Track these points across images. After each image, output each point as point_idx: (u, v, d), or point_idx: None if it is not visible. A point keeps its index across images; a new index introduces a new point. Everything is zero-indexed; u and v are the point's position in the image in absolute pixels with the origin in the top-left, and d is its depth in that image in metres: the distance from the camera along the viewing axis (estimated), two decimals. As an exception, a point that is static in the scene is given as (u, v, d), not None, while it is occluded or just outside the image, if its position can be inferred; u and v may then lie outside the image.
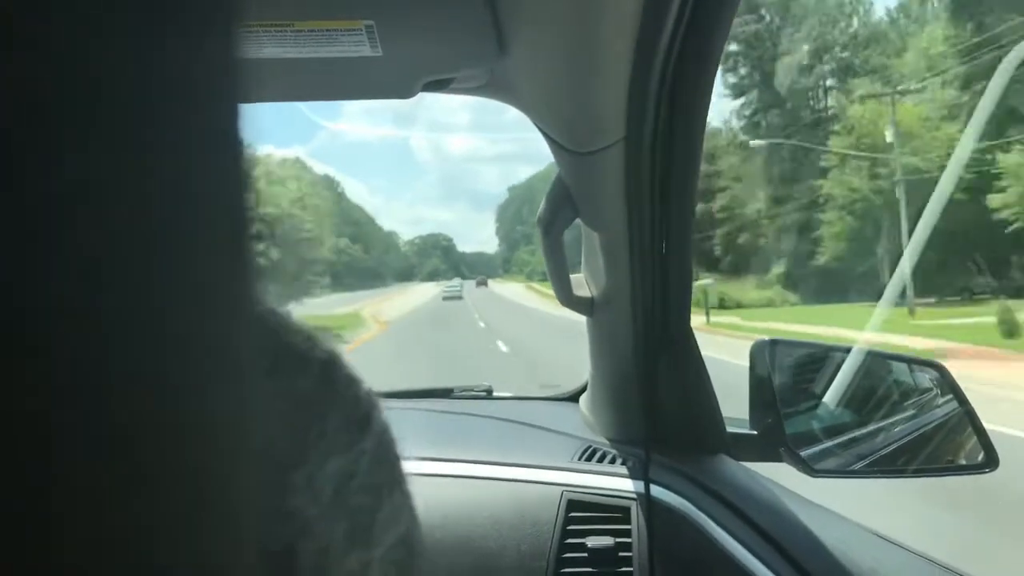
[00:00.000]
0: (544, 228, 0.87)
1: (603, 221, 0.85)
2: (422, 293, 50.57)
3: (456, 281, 61.09)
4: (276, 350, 0.26)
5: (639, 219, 0.81)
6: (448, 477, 0.87)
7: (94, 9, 0.11)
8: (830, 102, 32.22)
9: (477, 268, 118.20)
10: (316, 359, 0.27)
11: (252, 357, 0.15)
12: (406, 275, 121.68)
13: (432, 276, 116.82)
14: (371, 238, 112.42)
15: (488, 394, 1.31)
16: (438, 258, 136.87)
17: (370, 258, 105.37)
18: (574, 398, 1.18)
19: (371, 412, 0.29)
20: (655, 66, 0.69)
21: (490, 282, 74.83)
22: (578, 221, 0.89)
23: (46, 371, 0.11)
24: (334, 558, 0.25)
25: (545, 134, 0.80)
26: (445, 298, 40.20)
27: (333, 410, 0.27)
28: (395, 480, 0.29)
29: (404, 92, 0.74)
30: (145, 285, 0.12)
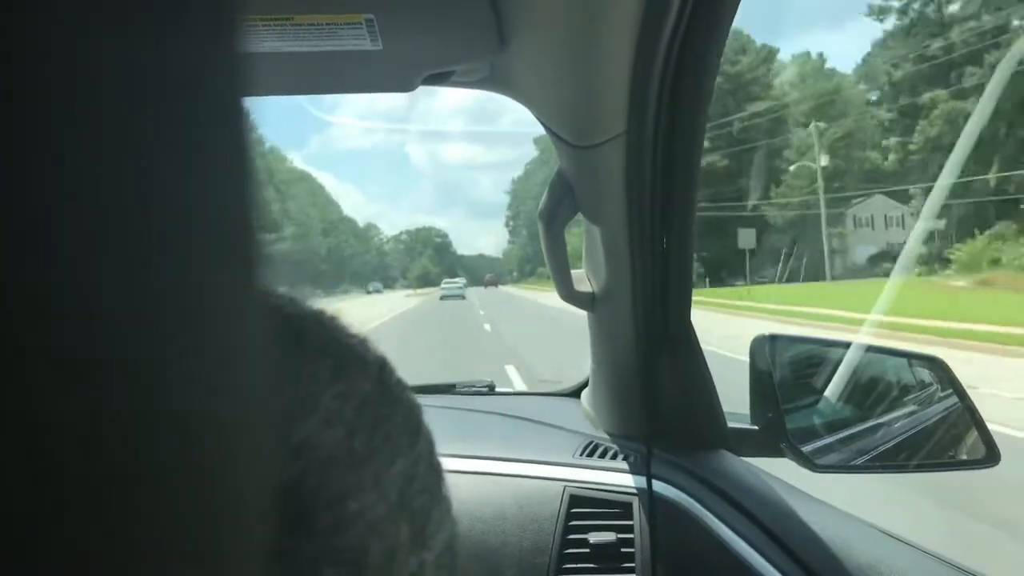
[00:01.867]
0: (545, 222, 0.87)
1: (604, 215, 0.85)
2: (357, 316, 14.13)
3: (459, 280, 47.53)
4: (337, 351, 0.26)
5: (640, 214, 0.81)
6: (450, 473, 0.87)
7: (94, 6, 0.11)
8: None
9: (477, 274, 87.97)
10: (373, 361, 0.27)
11: (272, 360, 0.15)
12: (383, 279, 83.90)
13: (422, 281, 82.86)
14: (292, 206, 72.17)
15: (490, 390, 1.31)
16: (429, 258, 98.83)
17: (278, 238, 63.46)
18: (575, 394, 1.18)
19: (421, 417, 0.29)
20: (656, 60, 0.69)
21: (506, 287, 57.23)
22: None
23: (47, 370, 0.11)
24: (399, 560, 0.25)
25: (546, 127, 0.80)
26: (443, 297, 33.13)
27: (394, 412, 0.27)
28: (441, 484, 0.30)
29: (405, 85, 0.74)
30: (148, 284, 0.12)
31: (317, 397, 0.24)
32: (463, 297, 32.73)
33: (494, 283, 59.73)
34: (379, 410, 0.26)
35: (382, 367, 0.28)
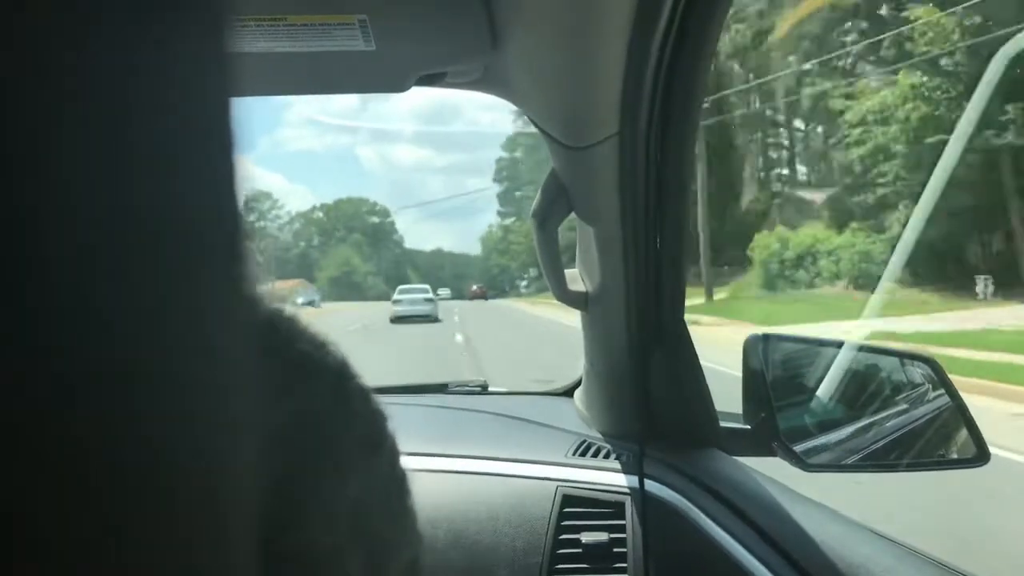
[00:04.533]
0: (538, 222, 0.87)
1: (597, 216, 0.85)
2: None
3: (423, 286, 25.96)
4: (287, 361, 0.24)
5: (633, 214, 0.81)
6: (443, 473, 0.87)
7: (84, 6, 0.11)
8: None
9: (434, 280, 47.88)
10: (330, 369, 0.25)
11: (255, 363, 0.15)
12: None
13: (340, 286, 52.09)
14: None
15: (483, 389, 1.31)
16: (355, 247, 58.29)
17: None
18: (569, 393, 1.18)
19: (383, 427, 0.27)
20: (649, 61, 0.69)
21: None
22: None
23: (44, 371, 0.11)
24: None
25: (539, 128, 0.80)
26: (396, 317, 18.83)
27: (349, 430, 0.25)
28: (404, 499, 0.27)
29: (398, 86, 0.74)
30: (137, 284, 0.12)
31: (260, 420, 0.22)
32: (435, 316, 19.15)
33: (482, 294, 42.90)
34: (331, 430, 0.24)
35: (340, 376, 0.25)
